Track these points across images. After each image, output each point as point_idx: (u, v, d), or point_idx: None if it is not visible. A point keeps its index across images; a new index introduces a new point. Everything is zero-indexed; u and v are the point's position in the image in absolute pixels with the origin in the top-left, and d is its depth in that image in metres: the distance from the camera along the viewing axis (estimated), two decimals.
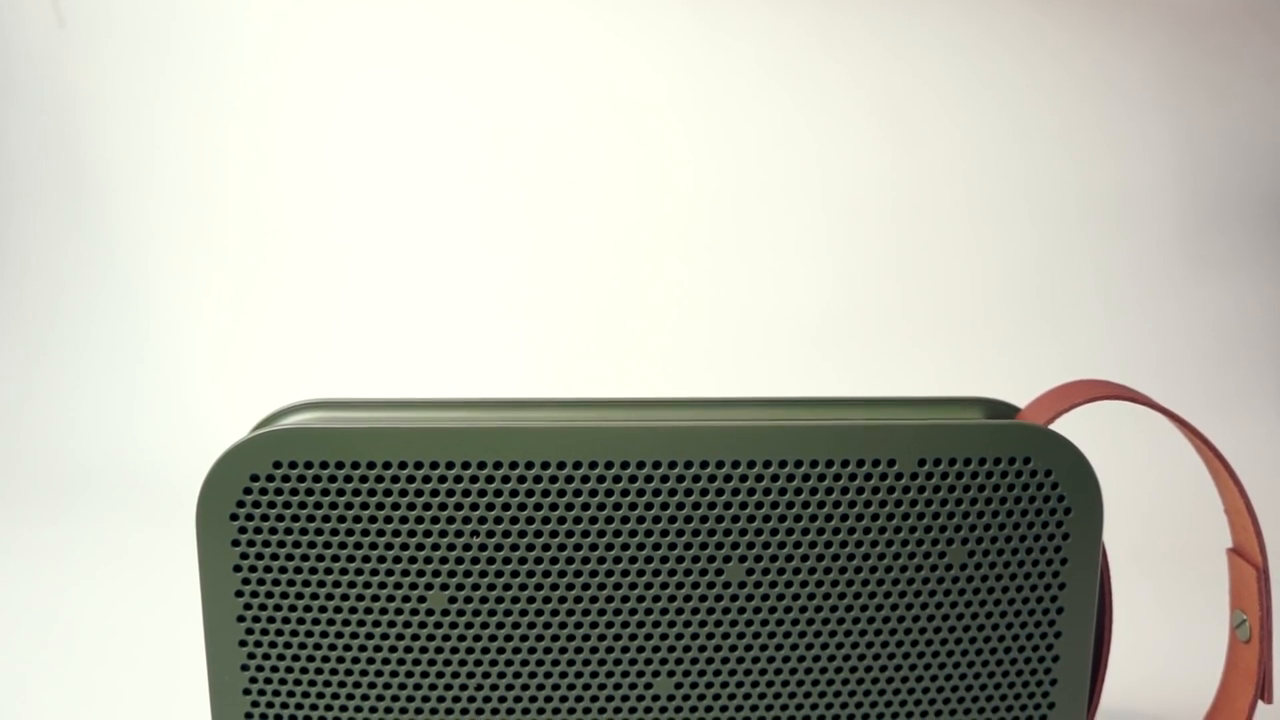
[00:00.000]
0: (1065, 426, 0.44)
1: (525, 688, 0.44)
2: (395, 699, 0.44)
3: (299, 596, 0.43)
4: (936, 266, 1.21)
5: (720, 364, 1.20)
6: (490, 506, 0.42)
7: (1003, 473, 0.42)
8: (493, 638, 0.43)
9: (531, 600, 0.43)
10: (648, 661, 0.44)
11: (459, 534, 0.42)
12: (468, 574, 0.42)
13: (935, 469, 0.42)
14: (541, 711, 0.44)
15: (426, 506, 0.42)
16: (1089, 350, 1.15)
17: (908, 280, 1.22)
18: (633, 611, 0.43)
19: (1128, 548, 0.72)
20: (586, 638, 0.43)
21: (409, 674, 0.44)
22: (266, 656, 0.44)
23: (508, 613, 0.43)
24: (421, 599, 0.43)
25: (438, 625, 0.43)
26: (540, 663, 0.43)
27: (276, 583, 0.43)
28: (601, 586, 0.43)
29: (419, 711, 0.44)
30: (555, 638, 0.43)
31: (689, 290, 1.24)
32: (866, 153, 1.23)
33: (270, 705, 0.44)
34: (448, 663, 0.43)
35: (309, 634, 0.43)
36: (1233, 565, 0.48)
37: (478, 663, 0.43)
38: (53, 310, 1.30)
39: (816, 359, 1.19)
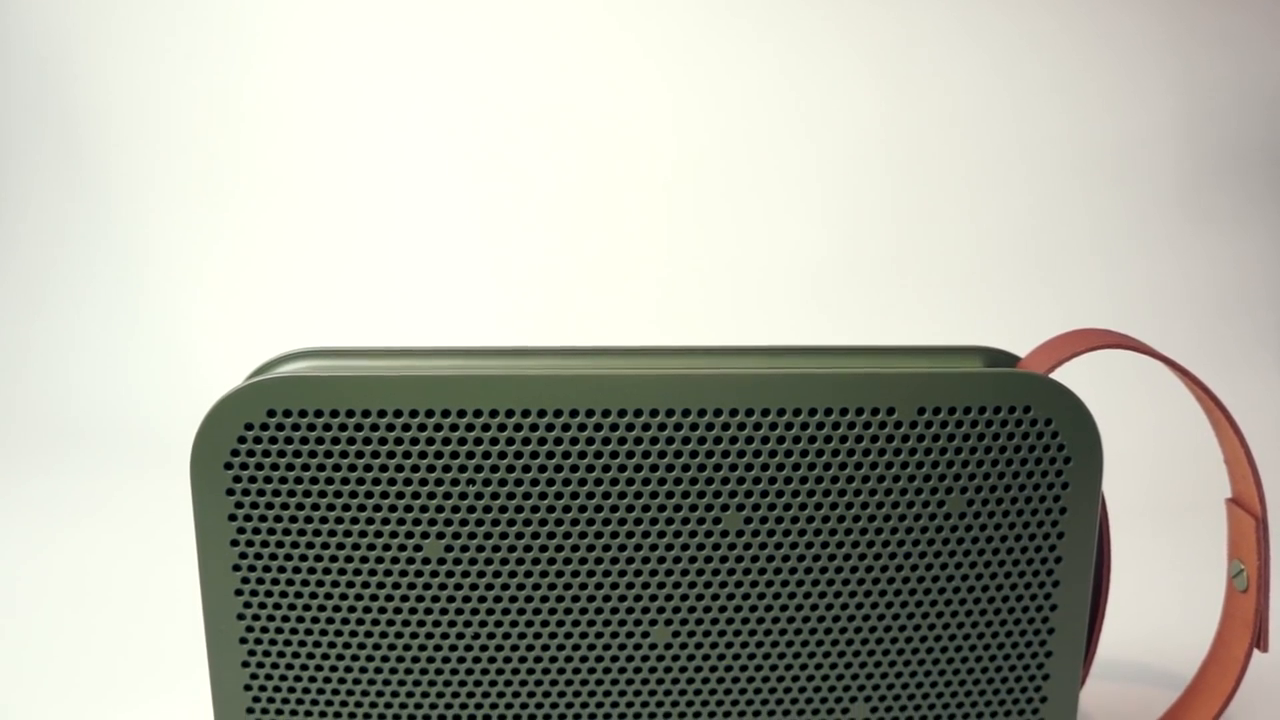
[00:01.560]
0: (1065, 376, 0.44)
1: (522, 636, 0.44)
2: (392, 647, 0.44)
3: (295, 546, 0.43)
4: (934, 219, 1.21)
5: (717, 317, 1.20)
6: (486, 455, 0.41)
7: (1002, 422, 0.42)
8: (489, 586, 0.43)
9: (528, 549, 0.43)
10: (645, 611, 0.43)
11: (455, 483, 0.42)
12: (464, 523, 0.42)
13: (935, 418, 0.42)
14: (539, 660, 0.44)
15: (422, 455, 0.41)
16: (1087, 303, 1.15)
17: (905, 233, 1.21)
18: (630, 560, 0.43)
19: (1127, 498, 0.72)
20: (584, 586, 0.43)
21: (405, 623, 0.43)
22: (263, 606, 0.44)
23: (504, 561, 0.43)
24: (418, 548, 0.42)
25: (434, 574, 0.43)
26: (537, 611, 0.43)
27: (272, 532, 0.43)
28: (599, 535, 0.42)
29: (415, 660, 0.44)
30: (552, 586, 0.43)
31: (686, 243, 1.23)
32: (864, 105, 1.22)
33: (267, 654, 0.44)
34: (444, 611, 0.43)
35: (305, 583, 0.43)
36: (1231, 515, 0.48)
37: (474, 611, 0.43)
38: (47, 261, 1.30)
39: (814, 311, 1.19)
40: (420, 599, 0.43)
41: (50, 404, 1.23)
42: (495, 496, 0.42)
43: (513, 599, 0.43)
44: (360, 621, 0.44)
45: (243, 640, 0.44)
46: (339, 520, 0.42)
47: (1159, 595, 0.73)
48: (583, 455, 0.42)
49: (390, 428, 0.41)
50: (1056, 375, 0.43)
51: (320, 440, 0.41)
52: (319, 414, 0.41)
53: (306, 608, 0.43)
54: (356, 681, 0.44)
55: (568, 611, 0.43)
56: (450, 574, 0.43)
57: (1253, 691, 0.58)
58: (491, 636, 0.44)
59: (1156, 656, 0.63)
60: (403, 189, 1.26)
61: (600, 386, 0.41)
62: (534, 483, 0.42)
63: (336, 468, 0.42)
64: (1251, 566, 0.47)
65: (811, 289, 1.21)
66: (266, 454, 0.42)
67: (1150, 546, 0.83)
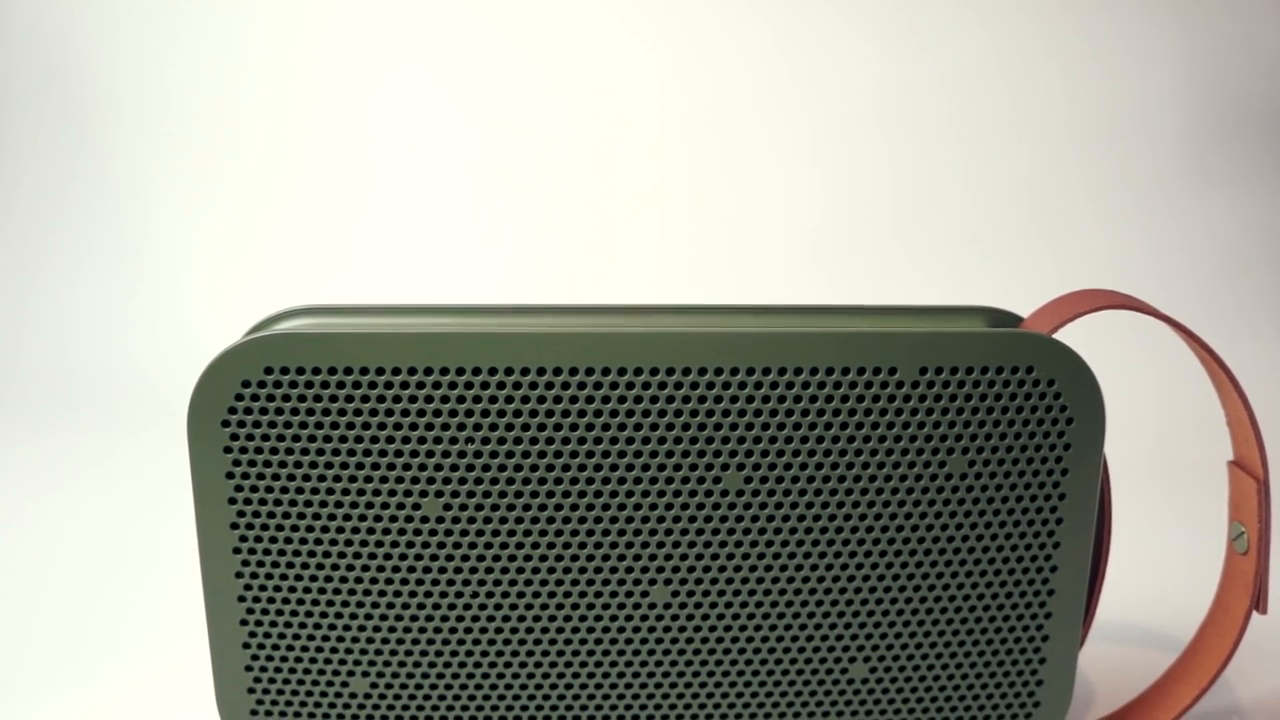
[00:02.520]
0: (1068, 337, 0.43)
1: (521, 595, 0.44)
2: (391, 606, 0.44)
3: (293, 504, 0.42)
4: (936, 180, 1.20)
5: (715, 281, 1.19)
6: (485, 413, 0.41)
7: (1005, 382, 0.42)
8: (488, 545, 0.43)
9: (527, 508, 0.42)
10: (644, 570, 0.43)
11: (454, 440, 0.41)
12: (463, 481, 0.42)
13: (937, 378, 0.42)
14: (537, 619, 0.44)
15: (421, 413, 0.41)
16: (1090, 266, 1.15)
17: (907, 194, 1.20)
18: (629, 520, 0.43)
19: (1128, 459, 0.72)
20: (582, 545, 0.43)
21: (404, 581, 0.43)
22: (261, 564, 0.43)
23: (503, 520, 0.42)
24: (416, 506, 0.42)
25: (432, 532, 0.43)
26: (536, 570, 0.43)
27: (270, 490, 0.42)
28: (598, 494, 0.42)
29: (414, 619, 0.44)
30: (551, 545, 0.43)
31: (684, 206, 1.22)
32: (864, 65, 1.21)
33: (266, 612, 0.44)
34: (443, 570, 0.43)
35: (303, 541, 0.43)
36: (1233, 477, 0.48)
37: (473, 570, 0.43)
38: (47, 220, 1.29)
39: (814, 272, 1.19)
40: (419, 557, 0.43)
41: (49, 362, 1.23)
42: (494, 455, 0.42)
43: (511, 558, 0.43)
44: (359, 580, 0.43)
45: (241, 599, 0.44)
46: (337, 478, 0.42)
47: (1159, 558, 0.73)
48: (582, 414, 0.41)
49: (389, 385, 0.41)
50: (1059, 336, 0.43)
51: (318, 398, 0.41)
52: (317, 371, 0.41)
53: (305, 566, 0.43)
54: (355, 640, 0.44)
55: (567, 571, 0.43)
56: (449, 533, 0.43)
57: (1251, 654, 0.58)
58: (490, 596, 0.44)
59: (1155, 619, 0.63)
60: (400, 149, 1.26)
61: (600, 344, 0.41)
62: (533, 441, 0.42)
63: (335, 425, 0.41)
64: (1252, 529, 0.47)
65: (811, 252, 1.20)
66: (264, 411, 0.41)
67: (1151, 509, 0.83)
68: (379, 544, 0.43)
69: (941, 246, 1.19)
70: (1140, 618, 0.63)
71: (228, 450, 0.42)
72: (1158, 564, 0.71)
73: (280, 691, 0.45)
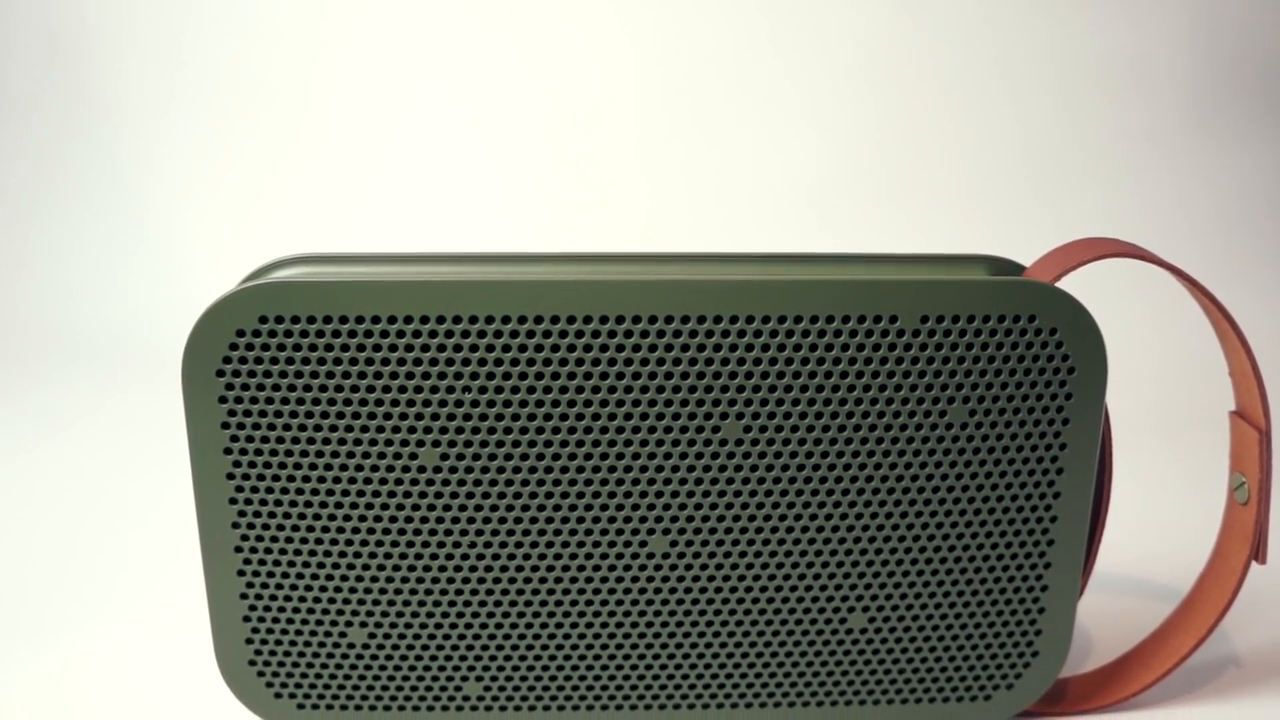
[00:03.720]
0: (1070, 286, 0.43)
1: (518, 545, 0.43)
2: (388, 556, 0.44)
3: (289, 454, 0.42)
4: (940, 131, 1.19)
5: (713, 231, 1.19)
6: (482, 362, 0.41)
7: (1006, 330, 0.41)
8: (485, 495, 0.43)
9: (524, 457, 0.42)
10: (642, 520, 0.43)
11: (450, 390, 0.41)
12: (459, 430, 0.42)
13: (938, 326, 0.41)
14: (535, 569, 0.44)
15: (417, 362, 0.41)
16: (1091, 217, 1.14)
17: (906, 147, 1.20)
18: (627, 469, 0.42)
19: (1129, 410, 0.72)
20: (580, 495, 0.43)
21: (401, 531, 0.43)
22: (258, 514, 0.43)
23: (500, 470, 0.42)
24: (413, 456, 0.42)
25: (429, 482, 0.42)
26: (534, 520, 0.43)
27: (266, 440, 0.42)
28: (595, 444, 0.42)
29: (411, 569, 0.44)
30: (549, 495, 0.43)
31: (682, 156, 1.22)
32: (869, 14, 1.20)
33: (263, 562, 0.44)
34: (440, 520, 0.43)
35: (300, 491, 0.43)
36: (1235, 428, 0.48)
37: (470, 520, 0.43)
38: (46, 172, 1.29)
39: (813, 226, 1.18)
40: (416, 507, 0.43)
41: (45, 312, 1.23)
42: (491, 404, 0.41)
43: (509, 508, 0.43)
44: (356, 530, 0.43)
45: (238, 550, 0.44)
46: (334, 428, 0.42)
47: (1159, 508, 0.73)
48: (580, 362, 0.41)
49: (385, 334, 0.41)
50: (1062, 285, 0.42)
51: (314, 347, 0.41)
52: (312, 320, 0.40)
53: (302, 516, 0.43)
54: (353, 590, 0.44)
55: (564, 520, 0.43)
56: (446, 482, 0.42)
57: (1249, 603, 0.58)
58: (488, 546, 0.43)
59: (1155, 569, 0.63)
60: (397, 98, 1.25)
61: (598, 292, 0.40)
62: (530, 390, 0.41)
63: (330, 374, 0.41)
64: (1253, 479, 0.47)
65: (810, 206, 1.19)
66: (259, 361, 0.41)
67: (1152, 459, 0.83)
68: (376, 494, 0.43)
69: (943, 199, 1.18)
70: (1139, 568, 0.64)
71: (223, 400, 0.42)
72: (1158, 515, 0.71)
73: (278, 642, 0.45)
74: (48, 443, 0.90)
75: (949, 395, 0.42)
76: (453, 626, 0.45)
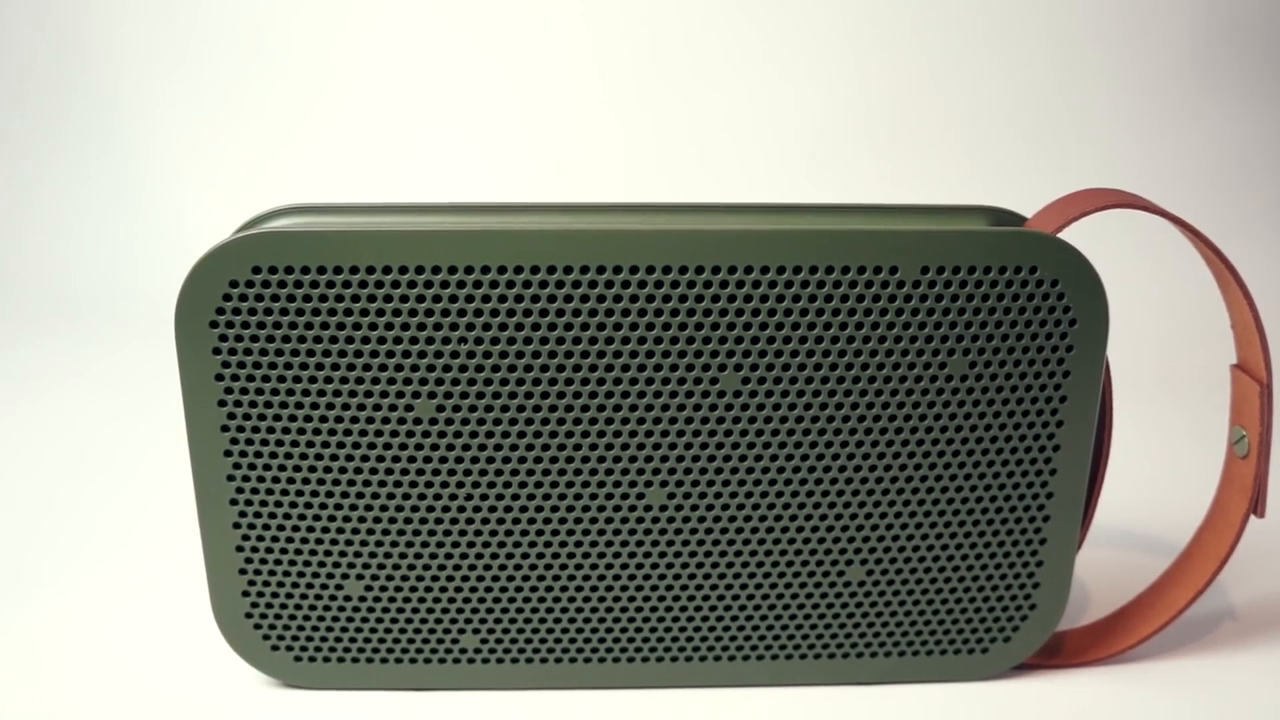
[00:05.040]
0: (1072, 238, 0.42)
1: (515, 498, 0.43)
2: (384, 508, 0.43)
3: (283, 406, 0.42)
4: (942, 81, 1.18)
5: (713, 182, 1.18)
6: (479, 312, 0.40)
7: (1008, 282, 0.41)
8: (481, 447, 0.42)
9: (521, 409, 0.42)
10: (640, 472, 0.43)
11: (446, 340, 0.41)
12: (455, 382, 0.41)
13: (938, 277, 0.41)
14: (532, 521, 0.44)
15: (412, 312, 0.40)
16: (1093, 170, 1.13)
17: (912, 95, 1.19)
18: (624, 420, 0.42)
19: (1130, 362, 0.72)
20: (578, 447, 0.42)
21: (397, 483, 0.43)
22: (253, 467, 0.43)
23: (497, 421, 0.42)
24: (409, 407, 0.42)
25: (425, 434, 0.42)
26: (530, 473, 0.43)
27: (260, 392, 0.42)
28: (593, 395, 0.42)
29: (408, 521, 0.44)
30: (545, 447, 0.42)
31: (682, 104, 1.21)
32: None
33: (258, 515, 0.44)
34: (436, 472, 0.43)
35: (295, 444, 0.42)
36: (1236, 381, 0.48)
37: (466, 473, 0.43)
38: (46, 128, 1.29)
39: (809, 175, 1.17)
40: (413, 459, 0.43)
41: (42, 267, 1.23)
42: (487, 355, 0.41)
43: (506, 460, 0.43)
44: (351, 483, 0.43)
45: (233, 502, 0.44)
46: (328, 380, 0.41)
47: (1158, 462, 0.73)
48: (577, 313, 0.41)
49: (379, 284, 0.40)
50: (1064, 235, 0.42)
51: (307, 297, 0.40)
52: (305, 270, 0.40)
53: (297, 469, 0.43)
54: (350, 542, 0.44)
55: (562, 473, 0.43)
56: (443, 434, 0.42)
57: (1246, 557, 0.58)
58: (485, 499, 0.43)
59: (1153, 524, 0.63)
60: (392, 46, 1.24)
61: (595, 242, 0.40)
62: (527, 341, 0.41)
63: (325, 326, 0.41)
64: (1253, 432, 0.46)
65: (808, 157, 1.19)
66: (253, 312, 0.41)
67: (1152, 412, 0.83)
68: (372, 446, 0.42)
69: (941, 152, 1.17)
70: (1138, 522, 0.64)
71: (216, 352, 0.41)
72: (1157, 469, 0.71)
73: (275, 595, 0.45)
74: (47, 396, 0.90)
75: (949, 347, 0.42)
76: (450, 579, 0.45)
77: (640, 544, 0.44)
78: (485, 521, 0.44)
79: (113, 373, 0.96)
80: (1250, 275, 0.49)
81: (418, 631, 0.46)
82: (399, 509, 0.43)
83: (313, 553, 0.44)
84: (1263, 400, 0.46)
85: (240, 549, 0.44)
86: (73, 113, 1.28)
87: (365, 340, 0.41)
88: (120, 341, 1.05)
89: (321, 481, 0.43)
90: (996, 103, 1.18)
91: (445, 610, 0.45)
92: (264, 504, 0.44)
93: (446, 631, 0.46)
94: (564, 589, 0.45)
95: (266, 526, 0.44)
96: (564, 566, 0.45)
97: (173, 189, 1.26)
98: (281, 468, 0.43)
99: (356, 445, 0.42)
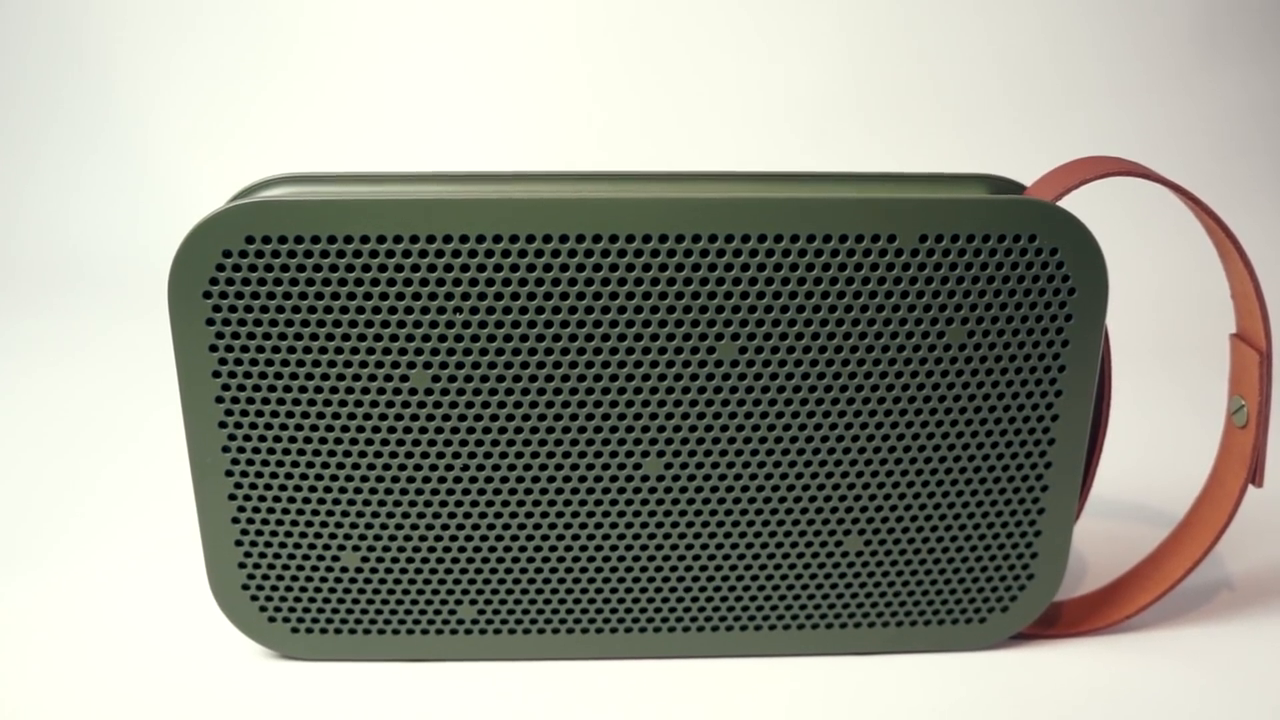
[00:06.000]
0: (1071, 207, 0.42)
1: (512, 468, 0.43)
2: (380, 480, 0.43)
3: (278, 377, 0.42)
4: (936, 51, 1.17)
5: (710, 150, 1.17)
6: (474, 282, 0.40)
7: (1006, 250, 0.41)
8: (478, 417, 0.42)
9: (517, 379, 0.42)
10: (636, 442, 0.43)
11: (441, 310, 0.40)
12: (451, 352, 0.41)
13: (937, 245, 0.40)
14: (529, 492, 0.44)
15: (407, 282, 0.40)
16: (1094, 137, 1.13)
17: (908, 64, 1.18)
18: (621, 390, 0.42)
19: (1129, 332, 0.71)
20: (574, 418, 0.42)
21: (393, 454, 0.43)
22: (248, 438, 0.43)
23: (493, 392, 0.42)
24: (404, 378, 0.41)
25: (421, 405, 0.42)
26: (527, 443, 0.43)
27: (255, 363, 0.41)
28: (589, 365, 0.41)
29: (404, 492, 0.43)
30: (542, 418, 0.42)
31: (679, 73, 1.20)
32: None
33: (254, 486, 0.44)
34: (432, 443, 0.43)
35: (290, 415, 0.42)
36: (1235, 350, 0.47)
37: (463, 443, 0.43)
38: (47, 98, 1.28)
39: (803, 144, 1.17)
40: (408, 430, 0.42)
41: (42, 237, 1.22)
42: (483, 325, 0.41)
43: (502, 431, 0.42)
44: (347, 454, 0.43)
45: (228, 473, 0.43)
46: (323, 350, 0.41)
47: (1157, 433, 0.72)
48: (573, 282, 0.40)
49: (373, 254, 0.40)
50: (1064, 204, 0.42)
51: (302, 267, 0.40)
52: (300, 240, 0.40)
53: (293, 439, 0.43)
54: (346, 513, 0.44)
55: (558, 444, 0.43)
56: (438, 404, 0.42)
57: (1244, 528, 0.58)
58: (481, 470, 0.43)
59: (1151, 494, 0.63)
60: (387, 17, 1.23)
61: (592, 211, 0.39)
62: (523, 311, 0.41)
63: (320, 295, 0.40)
64: (1252, 402, 0.46)
65: (807, 124, 1.18)
66: (246, 282, 0.40)
67: (1151, 383, 0.82)
68: (367, 417, 0.42)
69: (940, 121, 1.17)
70: (1136, 493, 0.63)
71: (210, 323, 0.41)
72: (1156, 439, 0.71)
73: (271, 566, 0.45)
74: (46, 370, 0.89)
75: (947, 316, 0.41)
76: (446, 549, 0.45)
77: (637, 514, 0.44)
78: (482, 492, 0.44)
79: (112, 346, 0.96)
80: (1249, 246, 0.48)
81: (415, 603, 0.46)
82: (395, 480, 0.43)
83: (309, 524, 0.44)
84: (1262, 370, 0.46)
85: (236, 520, 0.44)
86: (71, 84, 1.27)
87: (360, 310, 0.41)
88: (120, 314, 1.05)
89: (317, 453, 0.43)
90: (994, 71, 1.17)
91: (442, 581, 0.45)
92: (259, 475, 0.43)
93: (444, 602, 0.46)
94: (561, 560, 0.45)
95: (262, 498, 0.44)
96: (561, 537, 0.44)
97: (172, 161, 1.25)
98: (277, 439, 0.43)
99: (352, 416, 0.42)
